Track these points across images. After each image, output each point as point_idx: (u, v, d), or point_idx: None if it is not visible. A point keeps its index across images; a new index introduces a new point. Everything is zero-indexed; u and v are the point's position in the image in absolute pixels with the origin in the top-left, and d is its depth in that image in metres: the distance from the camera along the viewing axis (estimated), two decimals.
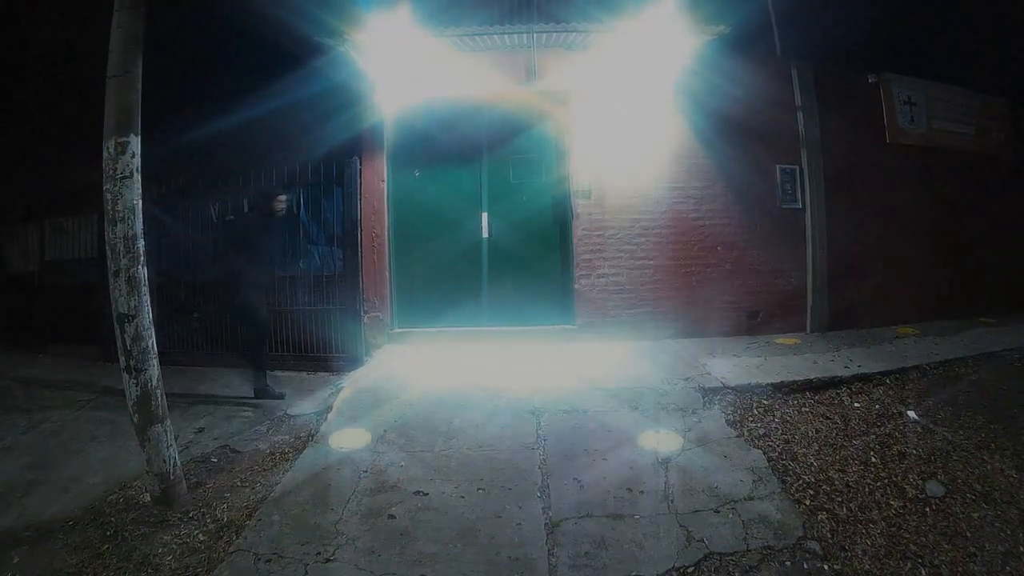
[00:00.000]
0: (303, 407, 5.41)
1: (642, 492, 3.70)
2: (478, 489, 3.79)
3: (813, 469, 3.95)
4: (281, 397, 5.65)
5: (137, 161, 3.67)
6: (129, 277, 3.62)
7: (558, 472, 3.97)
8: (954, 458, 4.04)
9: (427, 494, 3.73)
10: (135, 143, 3.66)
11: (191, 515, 3.62)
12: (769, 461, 4.04)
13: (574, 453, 4.21)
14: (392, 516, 3.51)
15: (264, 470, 4.23)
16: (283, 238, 6.66)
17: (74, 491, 3.94)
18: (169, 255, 7.13)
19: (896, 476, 3.84)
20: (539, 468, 4.03)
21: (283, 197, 5.92)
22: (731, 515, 3.42)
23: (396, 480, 3.91)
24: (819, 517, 3.41)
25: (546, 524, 3.40)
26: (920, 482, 3.75)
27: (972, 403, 4.90)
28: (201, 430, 4.98)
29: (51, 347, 7.57)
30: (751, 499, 3.58)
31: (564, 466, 4.04)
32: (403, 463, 4.14)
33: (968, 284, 7.95)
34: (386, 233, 7.12)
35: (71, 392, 5.93)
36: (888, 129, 7.84)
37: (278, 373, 6.56)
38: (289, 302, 6.72)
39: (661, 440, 4.35)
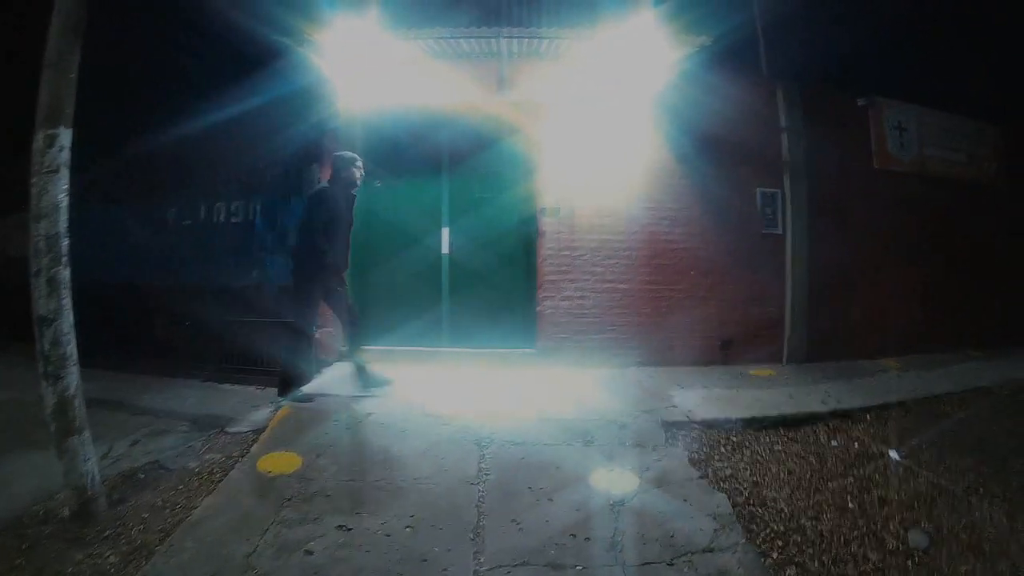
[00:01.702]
0: (241, 425, 5.05)
1: (588, 539, 3.29)
2: (406, 527, 3.40)
3: (783, 516, 3.56)
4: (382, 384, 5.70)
5: (66, 155, 3.45)
6: (50, 278, 3.40)
7: (496, 512, 3.57)
8: (939, 504, 3.69)
9: (351, 529, 3.37)
10: (65, 136, 3.44)
11: (106, 534, 3.36)
12: (734, 506, 3.65)
13: (517, 491, 3.81)
14: (310, 552, 3.16)
15: (188, 490, 3.93)
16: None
17: (2, 498, 3.70)
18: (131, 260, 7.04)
19: (875, 525, 3.47)
20: (476, 506, 3.63)
21: (360, 163, 5.54)
22: (687, 569, 3.02)
23: (320, 511, 3.56)
24: (787, 572, 3.02)
25: (476, 571, 3.02)
26: (902, 531, 3.38)
27: (959, 443, 4.57)
28: (135, 443, 4.70)
29: (13, 345, 7.21)
30: (711, 550, 3.18)
31: (504, 505, 3.65)
32: (330, 492, 3.78)
33: (956, 315, 7.67)
34: None
35: (18, 394, 5.59)
36: (877, 154, 7.60)
37: (225, 387, 6.24)
38: (240, 312, 6.45)
39: (615, 480, 3.94)
